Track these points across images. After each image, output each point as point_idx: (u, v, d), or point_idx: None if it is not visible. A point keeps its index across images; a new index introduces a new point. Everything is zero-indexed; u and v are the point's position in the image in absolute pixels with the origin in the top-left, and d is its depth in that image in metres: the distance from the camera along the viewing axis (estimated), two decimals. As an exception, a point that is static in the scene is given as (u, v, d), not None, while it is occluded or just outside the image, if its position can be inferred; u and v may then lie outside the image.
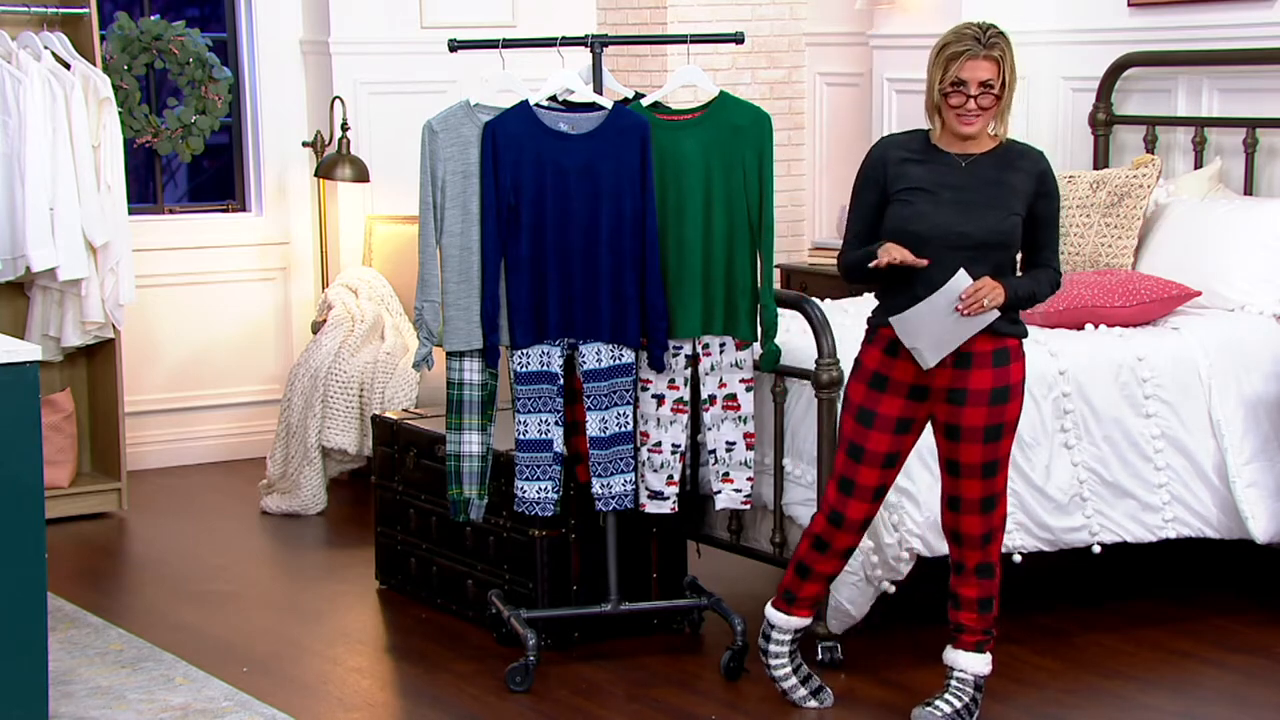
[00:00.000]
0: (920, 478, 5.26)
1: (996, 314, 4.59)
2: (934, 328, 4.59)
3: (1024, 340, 4.75)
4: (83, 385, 7.31)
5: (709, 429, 5.42)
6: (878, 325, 4.77)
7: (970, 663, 4.84)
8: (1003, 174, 4.67)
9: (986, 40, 4.59)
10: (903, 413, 4.76)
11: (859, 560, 5.24)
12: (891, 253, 4.60)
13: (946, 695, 4.85)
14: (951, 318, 4.57)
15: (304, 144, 8.10)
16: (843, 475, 4.80)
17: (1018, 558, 5.50)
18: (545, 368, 5.25)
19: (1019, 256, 4.78)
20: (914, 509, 5.26)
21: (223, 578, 6.34)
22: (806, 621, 4.99)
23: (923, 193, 4.68)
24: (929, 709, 4.83)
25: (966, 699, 4.83)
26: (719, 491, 5.44)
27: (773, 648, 5.00)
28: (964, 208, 4.64)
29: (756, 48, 8.23)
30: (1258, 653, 5.46)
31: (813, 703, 5.00)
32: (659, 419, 5.36)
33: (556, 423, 5.27)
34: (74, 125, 6.79)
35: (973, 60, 4.59)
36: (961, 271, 4.56)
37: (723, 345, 5.38)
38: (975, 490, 4.73)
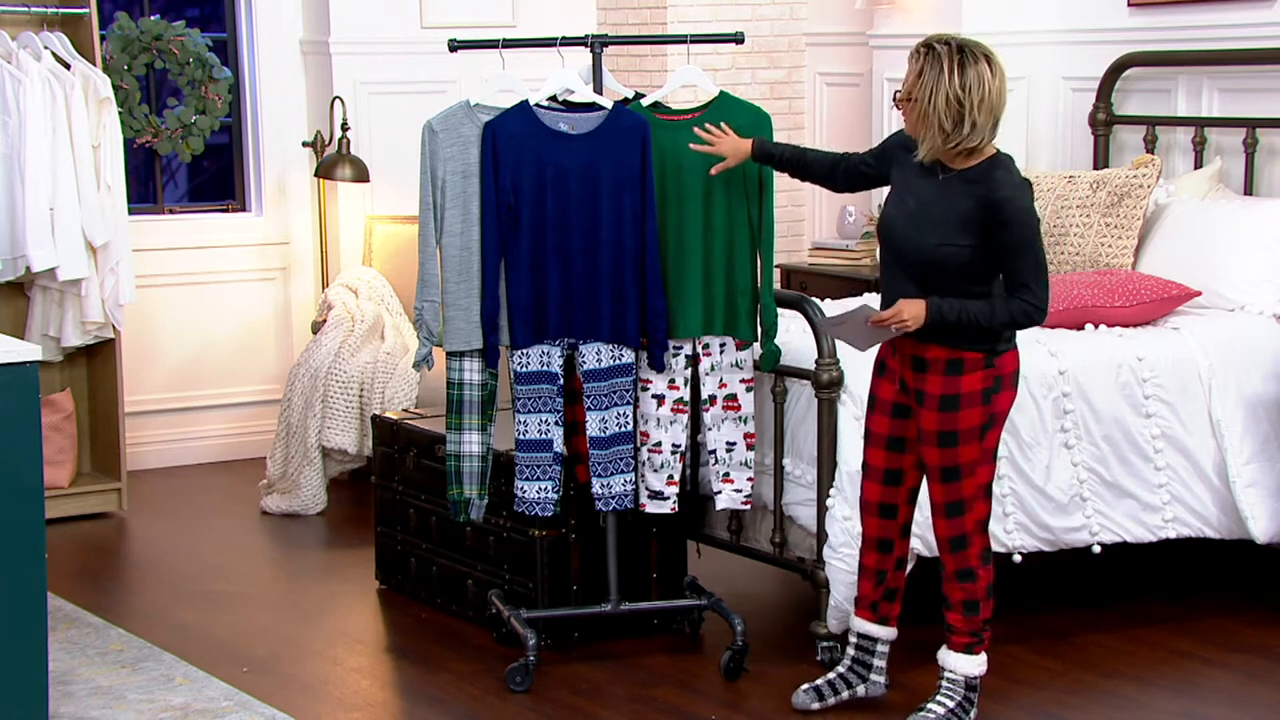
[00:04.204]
0: (920, 478, 5.27)
1: (919, 328, 4.66)
2: (855, 334, 4.79)
3: (991, 355, 4.70)
4: (83, 385, 7.31)
5: (709, 429, 5.42)
6: None
7: (960, 664, 4.86)
8: (958, 197, 4.64)
9: (919, 45, 4.64)
10: (896, 398, 4.87)
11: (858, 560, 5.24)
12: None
13: (938, 696, 4.87)
14: (868, 330, 4.74)
15: (304, 144, 8.10)
16: (863, 459, 4.98)
17: (1018, 558, 5.50)
18: (545, 368, 5.25)
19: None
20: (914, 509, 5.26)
21: (223, 578, 6.34)
22: (860, 622, 5.07)
23: (895, 194, 4.80)
24: (921, 713, 4.85)
25: (958, 699, 4.85)
26: (719, 492, 5.44)
27: (847, 647, 5.10)
28: (912, 223, 4.70)
29: (756, 48, 8.23)
30: (1258, 653, 5.46)
31: (802, 694, 5.05)
32: (659, 419, 5.36)
33: (556, 423, 5.27)
34: (74, 125, 6.79)
35: (909, 64, 4.67)
36: (865, 304, 4.73)
37: (723, 345, 5.38)
38: (938, 494, 4.79)
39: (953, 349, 4.68)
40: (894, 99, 4.75)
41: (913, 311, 4.62)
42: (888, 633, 5.06)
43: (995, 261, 4.64)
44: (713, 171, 5.23)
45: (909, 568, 5.31)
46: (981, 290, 4.67)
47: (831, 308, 5.89)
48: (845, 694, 5.05)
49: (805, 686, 5.07)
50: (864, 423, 4.97)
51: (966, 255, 4.62)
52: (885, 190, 4.94)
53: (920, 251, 4.66)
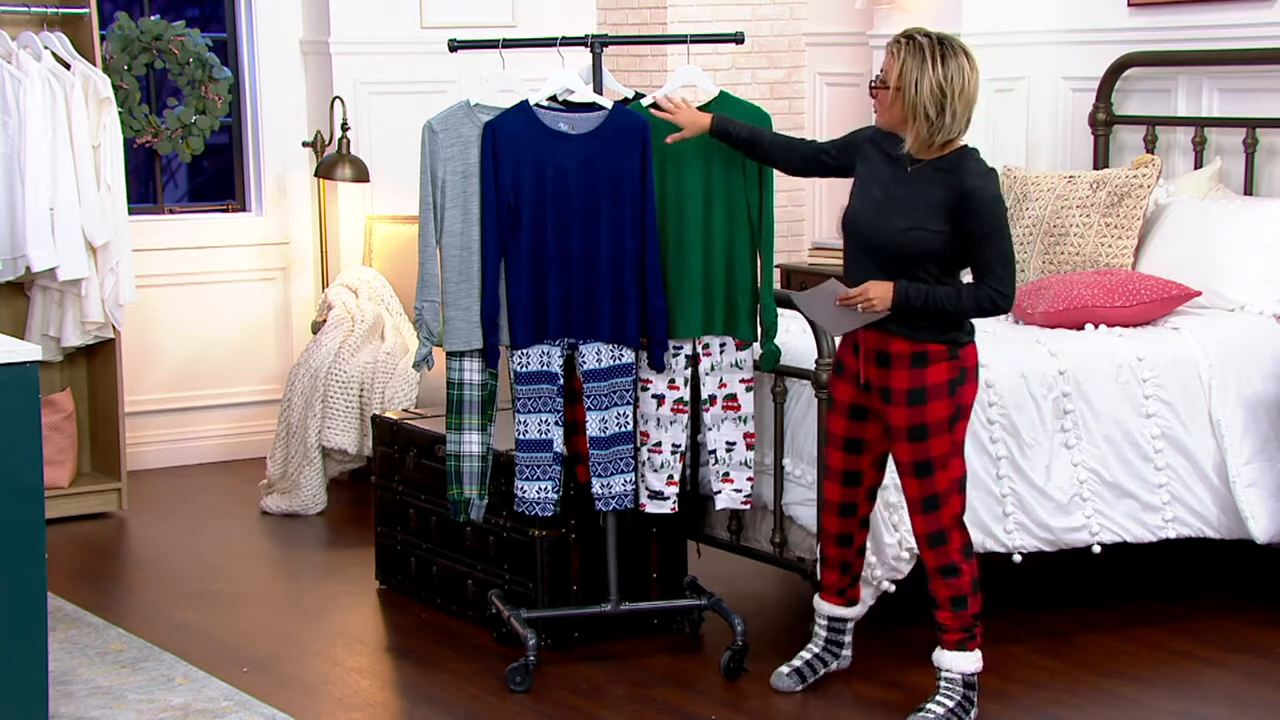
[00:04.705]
0: (920, 478, 5.28)
1: (885, 312, 4.71)
2: (826, 313, 4.82)
3: (954, 347, 4.76)
4: (83, 385, 7.31)
5: (709, 429, 5.42)
6: None
7: (955, 661, 4.89)
8: (927, 186, 4.73)
9: (899, 37, 4.72)
10: (854, 399, 4.93)
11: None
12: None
13: (938, 697, 4.88)
14: (836, 309, 4.78)
15: (304, 144, 8.10)
16: (823, 458, 5.09)
17: (1018, 558, 5.50)
18: (545, 368, 5.25)
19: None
20: (914, 509, 5.27)
21: (223, 578, 6.34)
22: (830, 606, 5.17)
23: (861, 186, 4.86)
24: (922, 713, 4.86)
25: (958, 698, 4.86)
26: (719, 491, 5.44)
27: (815, 628, 5.21)
28: (881, 211, 4.77)
29: (756, 48, 8.23)
30: (1258, 653, 5.46)
31: (786, 678, 5.14)
32: (659, 419, 5.36)
33: (556, 423, 5.27)
34: (74, 125, 6.79)
35: (887, 54, 4.74)
36: (832, 280, 4.76)
37: (723, 345, 5.38)
38: (914, 489, 4.84)
39: (916, 342, 4.74)
40: (871, 86, 4.80)
41: (879, 292, 4.69)
42: (857, 611, 5.22)
43: (963, 250, 4.72)
44: (668, 140, 5.25)
45: (908, 568, 5.33)
46: (949, 280, 4.74)
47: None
48: (822, 672, 5.19)
49: (786, 670, 5.15)
50: (825, 423, 5.04)
51: (938, 241, 4.70)
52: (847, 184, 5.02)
53: (890, 238, 4.73)
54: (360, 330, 7.32)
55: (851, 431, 4.95)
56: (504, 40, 5.43)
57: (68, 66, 6.88)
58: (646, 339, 5.29)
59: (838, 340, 5.11)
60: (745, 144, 5.20)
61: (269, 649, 5.56)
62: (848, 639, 5.23)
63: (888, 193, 4.77)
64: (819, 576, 5.20)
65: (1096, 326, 5.87)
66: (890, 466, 5.05)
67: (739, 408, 5.39)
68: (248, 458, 8.07)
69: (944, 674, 4.89)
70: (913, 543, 5.26)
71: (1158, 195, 6.52)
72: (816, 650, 5.19)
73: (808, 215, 8.49)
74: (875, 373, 4.83)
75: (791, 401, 5.48)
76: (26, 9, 6.95)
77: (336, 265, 8.02)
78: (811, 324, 5.27)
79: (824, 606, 5.18)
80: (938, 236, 4.69)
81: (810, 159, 5.12)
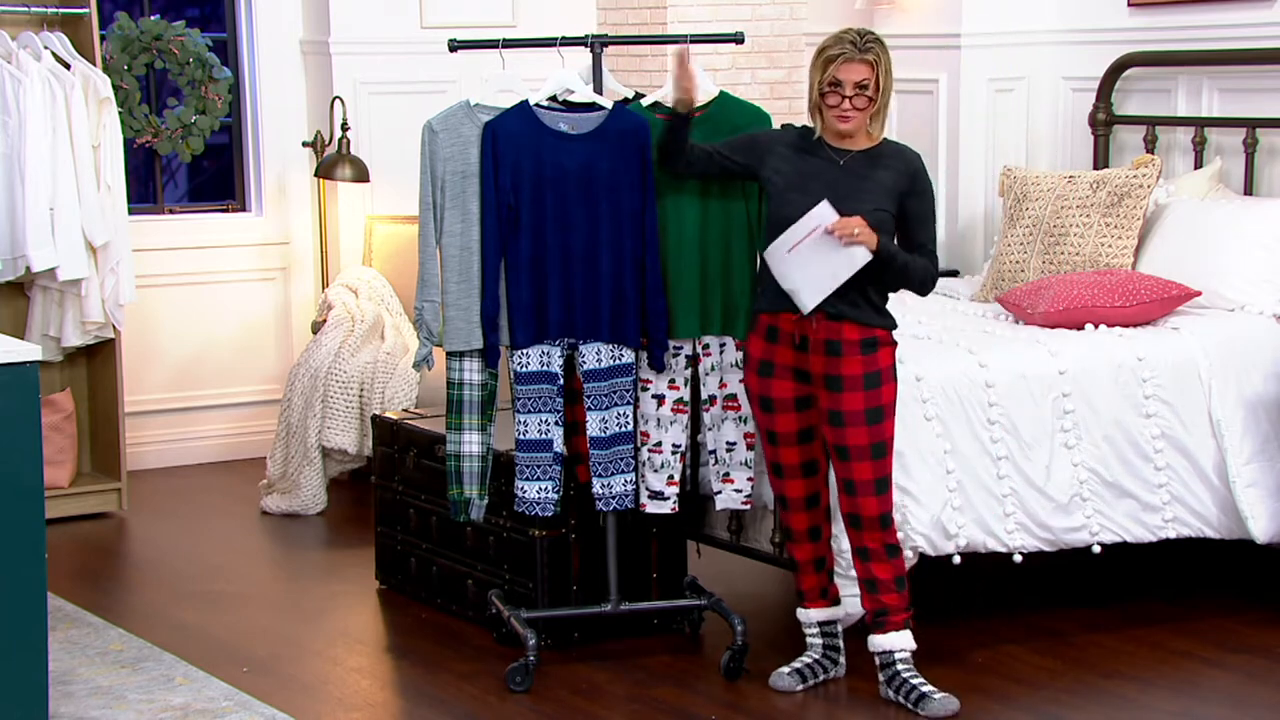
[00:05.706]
0: (922, 477, 5.27)
1: (869, 256, 4.80)
2: (805, 263, 4.83)
3: (893, 332, 4.96)
4: (83, 385, 7.31)
5: (709, 429, 5.42)
6: (758, 312, 5.04)
7: (908, 641, 4.99)
8: (874, 171, 4.90)
9: (862, 45, 4.85)
10: (796, 393, 5.01)
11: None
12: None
13: (918, 684, 4.95)
14: (821, 252, 4.80)
15: (304, 144, 8.10)
16: (771, 460, 5.09)
17: (1018, 558, 5.50)
18: (545, 368, 5.25)
19: None
20: (917, 508, 5.27)
21: (223, 578, 6.34)
22: (817, 612, 5.18)
23: (793, 184, 4.93)
24: (935, 704, 4.89)
25: (921, 676, 4.96)
26: (719, 491, 5.44)
27: (808, 639, 5.21)
28: (840, 200, 4.85)
29: (756, 48, 8.23)
30: (1258, 653, 5.46)
31: (786, 677, 5.14)
32: (659, 419, 5.36)
33: (556, 423, 5.27)
34: (74, 125, 6.79)
35: (848, 63, 4.84)
36: (825, 202, 4.82)
37: (723, 345, 5.38)
38: (867, 471, 4.91)
39: (865, 328, 4.89)
40: (852, 98, 4.84)
41: (865, 227, 4.79)
42: (842, 611, 5.21)
43: (901, 229, 4.93)
44: (663, 99, 5.22)
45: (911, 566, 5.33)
46: None
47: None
48: (822, 677, 5.19)
49: (786, 670, 5.15)
50: (763, 426, 5.07)
51: (893, 223, 4.89)
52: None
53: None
54: (360, 330, 7.32)
55: (801, 423, 5.02)
56: (504, 40, 5.43)
57: (68, 66, 6.88)
58: (646, 339, 5.29)
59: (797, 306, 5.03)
60: (678, 150, 5.10)
61: (269, 649, 5.56)
62: (839, 643, 5.22)
63: (831, 183, 4.89)
64: (797, 586, 5.21)
65: (1096, 326, 5.87)
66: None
67: (739, 408, 5.39)
68: (248, 458, 8.07)
69: (899, 655, 4.99)
70: (917, 540, 5.28)
71: (1158, 195, 6.52)
72: (816, 656, 5.20)
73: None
74: (824, 361, 4.91)
75: (791, 401, 5.47)
76: (26, 9, 6.95)
77: (336, 265, 8.03)
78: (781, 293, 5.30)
79: (810, 614, 5.19)
80: (892, 218, 4.89)
81: (706, 159, 5.09)
